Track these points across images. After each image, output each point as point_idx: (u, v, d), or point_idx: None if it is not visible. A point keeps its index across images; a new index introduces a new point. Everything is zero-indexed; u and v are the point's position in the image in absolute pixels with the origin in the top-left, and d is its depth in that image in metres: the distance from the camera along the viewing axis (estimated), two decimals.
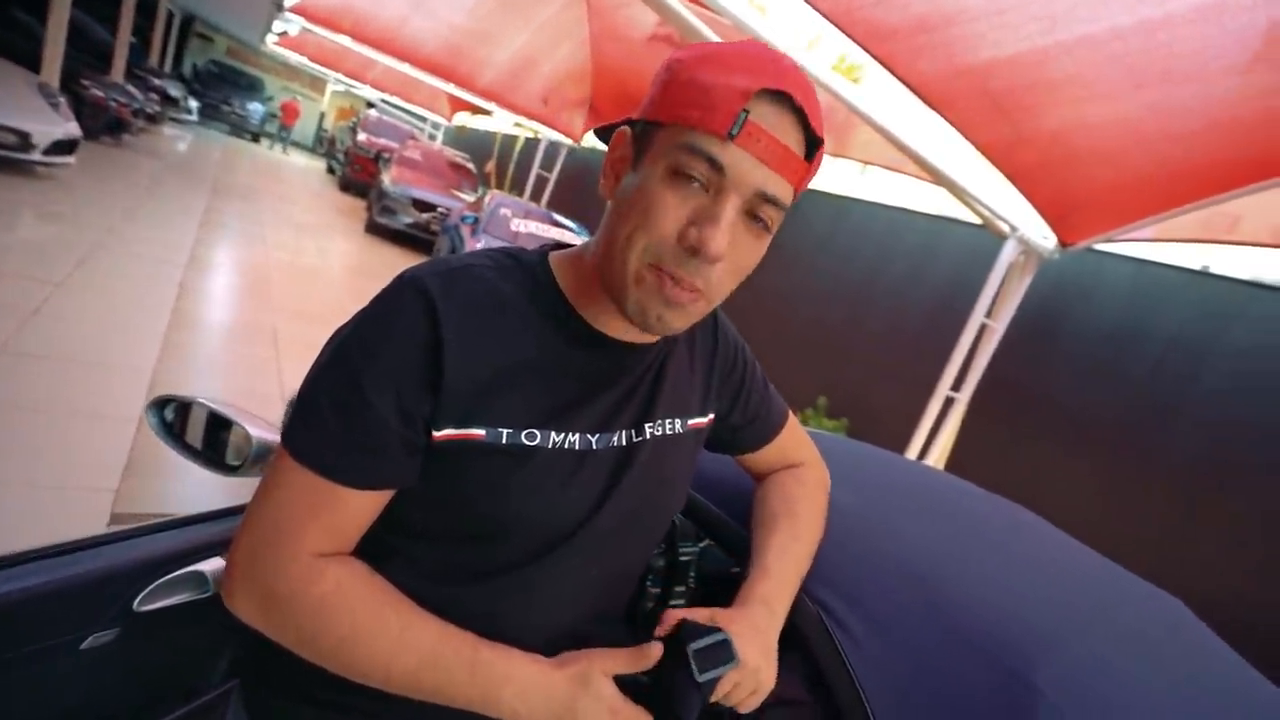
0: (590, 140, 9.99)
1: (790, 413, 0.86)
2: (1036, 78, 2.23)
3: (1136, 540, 3.56)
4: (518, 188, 12.62)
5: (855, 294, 6.05)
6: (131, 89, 8.42)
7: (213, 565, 0.74)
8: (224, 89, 15.23)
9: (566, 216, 7.28)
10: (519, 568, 0.60)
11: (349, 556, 0.56)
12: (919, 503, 0.98)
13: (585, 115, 8.15)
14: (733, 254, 0.54)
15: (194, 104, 12.87)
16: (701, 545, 1.67)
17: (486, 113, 10.35)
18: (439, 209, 8.52)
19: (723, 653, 0.56)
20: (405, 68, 8.56)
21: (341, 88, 17.07)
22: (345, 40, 8.18)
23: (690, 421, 0.72)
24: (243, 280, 5.11)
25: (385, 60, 8.73)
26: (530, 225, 6.35)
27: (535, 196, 9.83)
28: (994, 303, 3.85)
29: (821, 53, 2.47)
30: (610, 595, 0.71)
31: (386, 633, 0.52)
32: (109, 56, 8.57)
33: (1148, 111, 2.26)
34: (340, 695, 0.58)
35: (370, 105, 16.01)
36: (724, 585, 1.54)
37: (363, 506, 0.55)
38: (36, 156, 4.69)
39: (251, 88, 16.20)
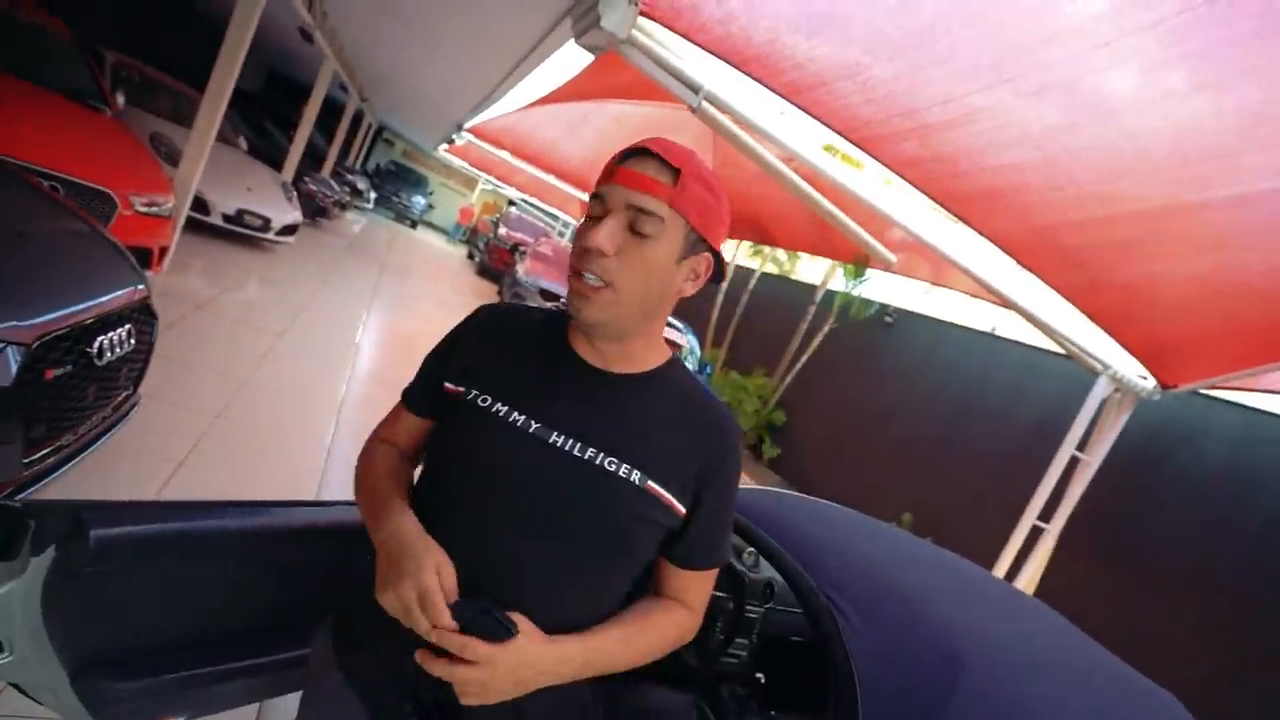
0: None
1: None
2: (1102, 238, 2.52)
3: (1244, 698, 3.31)
4: None
5: (947, 416, 6.10)
6: (333, 183, 10.34)
7: None
8: (396, 183, 17.93)
9: (674, 315, 7.93)
10: (456, 508, 0.75)
11: (394, 447, 0.87)
12: (923, 558, 1.31)
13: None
14: (625, 255, 0.72)
15: (373, 195, 15.28)
16: (767, 607, 1.95)
17: None
18: (561, 300, 9.52)
19: (497, 629, 0.65)
20: (549, 178, 9.93)
21: (489, 186, 19.61)
22: (504, 154, 9.69)
23: (651, 484, 0.75)
24: (397, 339, 6.09)
25: (532, 170, 10.18)
26: None
27: None
28: (1087, 436, 3.89)
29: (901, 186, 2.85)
30: (540, 595, 0.73)
31: (368, 478, 0.82)
32: (322, 158, 10.60)
33: (1215, 270, 2.47)
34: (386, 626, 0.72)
35: (511, 203, 18.17)
36: (784, 652, 1.81)
37: (408, 422, 0.87)
38: (270, 236, 6.01)
39: (417, 183, 18.92)
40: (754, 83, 2.24)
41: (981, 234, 2.79)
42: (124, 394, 2.05)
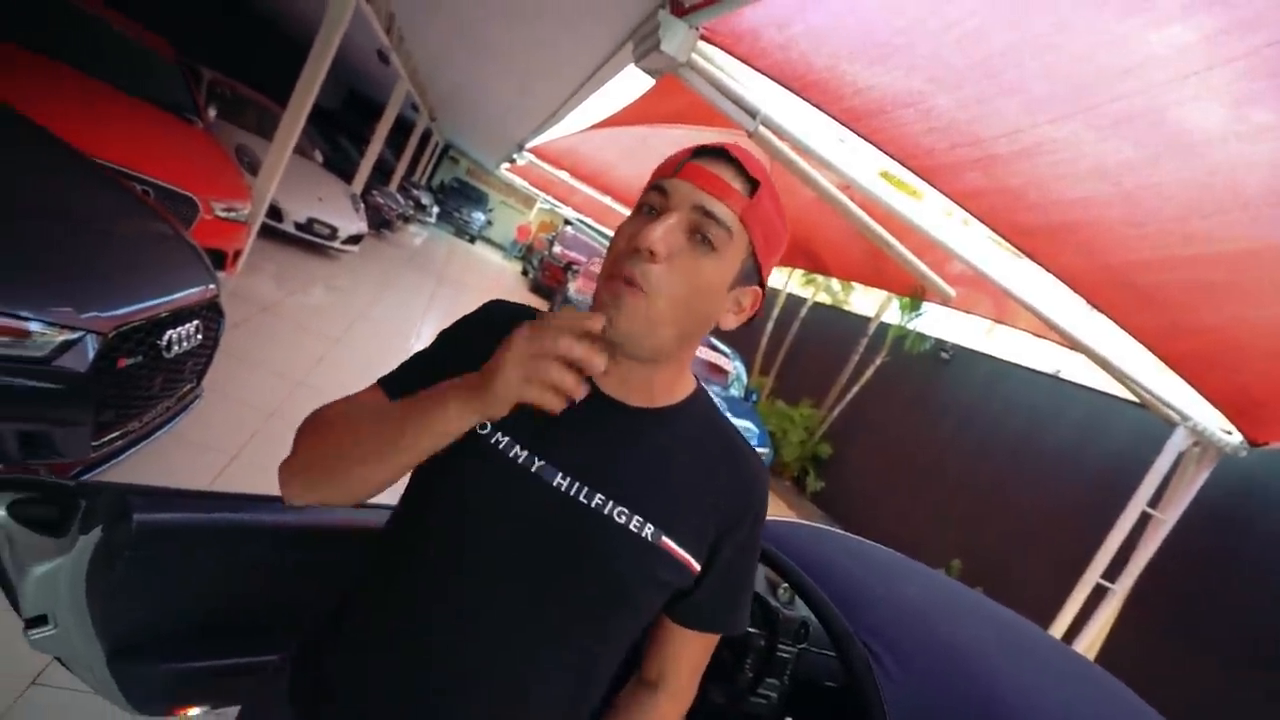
0: None
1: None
2: (1184, 279, 2.37)
3: None
4: None
5: (1005, 460, 5.81)
6: (399, 196, 10.79)
7: None
8: (458, 199, 18.58)
9: (723, 341, 7.87)
10: (433, 552, 0.65)
11: None
12: (971, 608, 1.22)
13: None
14: (677, 264, 0.60)
15: (435, 210, 15.86)
16: (800, 648, 1.87)
17: None
18: None
19: None
20: (606, 199, 10.09)
21: (547, 205, 20.09)
22: (563, 174, 9.91)
23: (666, 540, 0.65)
24: None
25: (589, 191, 10.37)
26: None
27: None
28: (1161, 492, 3.62)
29: (977, 227, 2.74)
30: (520, 663, 0.64)
31: (367, 415, 0.65)
32: (390, 173, 11.08)
33: None
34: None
35: (567, 222, 18.55)
36: (816, 697, 1.72)
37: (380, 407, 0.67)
38: (337, 245, 6.29)
39: (478, 200, 19.56)
40: (813, 108, 2.21)
41: (1049, 270, 2.67)
42: (188, 386, 2.15)
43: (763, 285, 0.69)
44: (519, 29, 4.14)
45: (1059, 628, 3.80)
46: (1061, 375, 5.84)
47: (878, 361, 7.75)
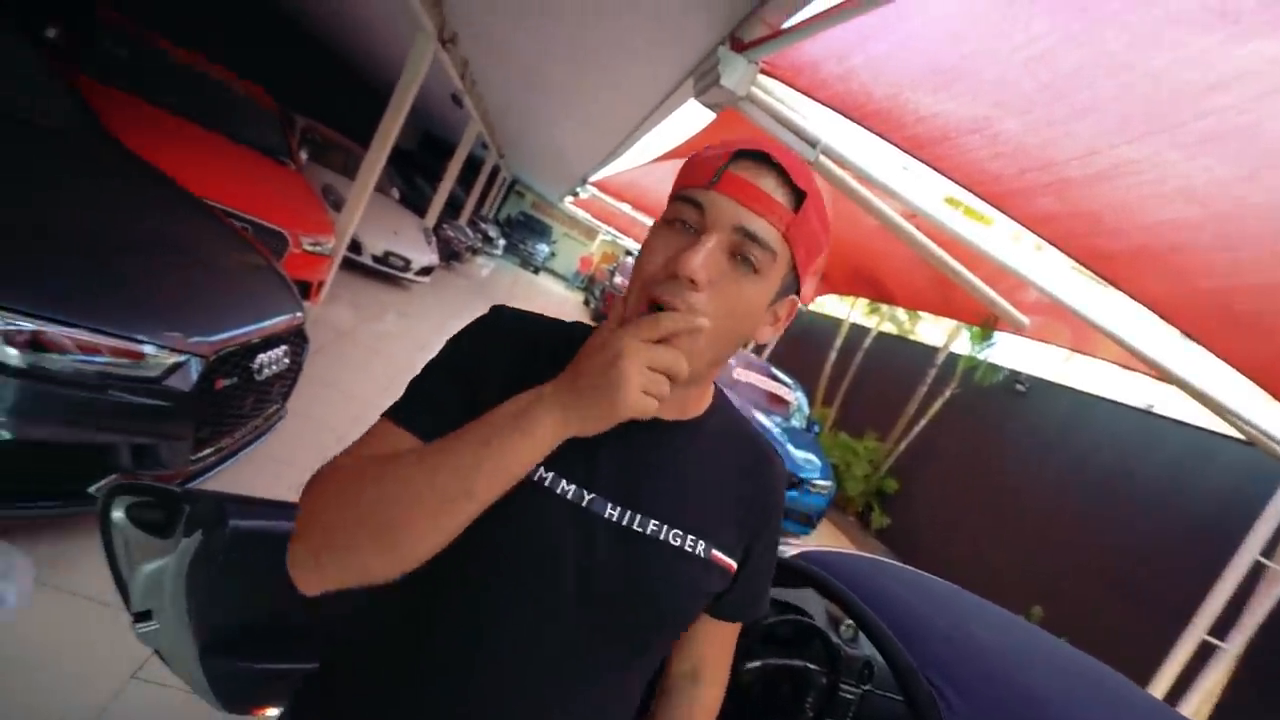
0: (817, 304, 10.60)
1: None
2: None
3: None
4: None
5: (1091, 499, 5.42)
6: (468, 230, 11.29)
7: None
8: (523, 232, 19.25)
9: (784, 371, 7.76)
10: (485, 610, 0.58)
11: None
12: (1056, 658, 1.15)
13: (818, 282, 8.80)
14: (719, 289, 0.56)
15: (502, 242, 16.48)
16: (864, 689, 1.79)
17: None
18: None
19: None
20: None
21: (609, 237, 20.55)
22: (625, 207, 10.14)
23: (715, 552, 0.64)
24: None
25: (651, 223, 10.53)
26: (750, 375, 6.92)
27: (758, 349, 10.57)
28: (1277, 540, 3.29)
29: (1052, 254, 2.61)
30: (595, 683, 0.62)
31: (411, 459, 0.53)
32: (460, 207, 11.63)
33: None
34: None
35: (629, 253, 18.90)
36: None
37: (406, 446, 0.57)
38: (410, 276, 6.63)
39: (542, 233, 20.20)
40: (875, 136, 2.21)
41: (1133, 297, 2.52)
42: (274, 406, 2.31)
43: (799, 293, 0.65)
44: (583, 70, 4.32)
45: (1159, 687, 3.47)
46: (1154, 410, 5.44)
47: (947, 393, 7.44)
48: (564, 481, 0.59)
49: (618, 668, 0.64)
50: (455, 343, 0.66)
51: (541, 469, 0.58)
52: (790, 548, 1.45)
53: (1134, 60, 1.51)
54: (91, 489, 1.67)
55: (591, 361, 0.53)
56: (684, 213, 0.57)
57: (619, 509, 0.60)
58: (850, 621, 1.81)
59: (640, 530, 0.60)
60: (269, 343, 2.09)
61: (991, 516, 6.24)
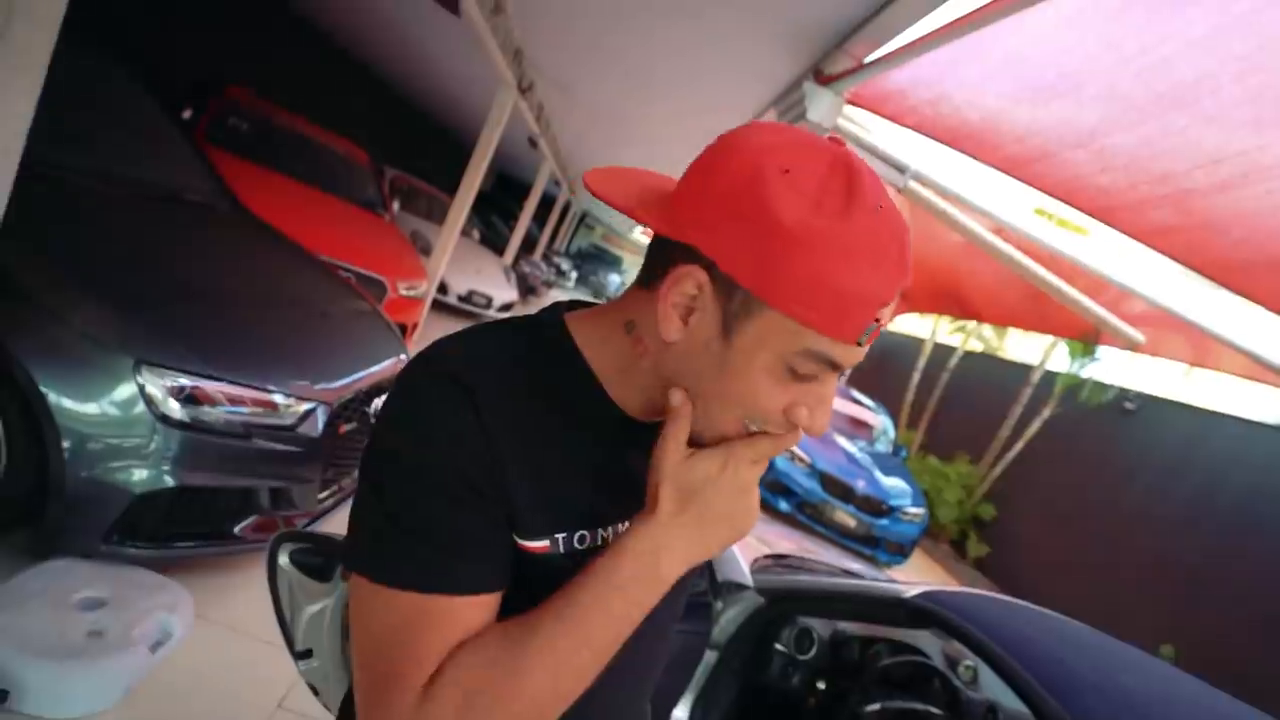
0: (897, 324, 10.25)
1: None
2: None
3: None
4: None
5: (1223, 527, 4.93)
6: (542, 264, 11.68)
7: None
8: (594, 263, 19.76)
9: (866, 394, 7.53)
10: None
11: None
12: (1192, 700, 1.05)
13: (897, 303, 8.55)
14: None
15: (574, 274, 16.95)
16: None
17: None
18: None
19: None
20: None
21: None
22: None
23: None
24: None
25: None
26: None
27: None
28: None
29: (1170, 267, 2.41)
30: (653, 672, 0.69)
31: (534, 639, 0.45)
32: (535, 243, 12.07)
33: None
34: None
35: None
36: None
37: (469, 618, 0.46)
38: (491, 312, 6.93)
39: (612, 263, 20.67)
40: (967, 158, 2.15)
41: (1266, 307, 2.31)
42: None
43: None
44: (658, 105, 4.44)
45: None
46: None
47: (1045, 413, 6.98)
48: (620, 526, 0.55)
49: (665, 638, 0.69)
50: (447, 460, 0.46)
51: (601, 531, 0.54)
52: (908, 586, 1.40)
53: (1265, 63, 1.41)
54: (236, 529, 1.83)
55: (719, 493, 0.48)
56: (814, 368, 0.45)
57: None
58: (970, 662, 1.71)
59: None
60: (380, 387, 2.23)
61: (1105, 545, 5.76)
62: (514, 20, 3.91)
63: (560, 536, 0.51)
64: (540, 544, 0.50)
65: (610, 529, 0.54)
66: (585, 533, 0.52)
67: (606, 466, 0.54)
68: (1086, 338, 6.19)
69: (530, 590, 0.48)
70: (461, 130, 10.31)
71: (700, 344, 0.47)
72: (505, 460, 0.47)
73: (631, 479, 0.53)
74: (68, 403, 1.51)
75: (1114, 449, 6.32)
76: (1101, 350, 6.45)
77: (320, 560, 1.02)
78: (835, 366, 0.46)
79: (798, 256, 0.41)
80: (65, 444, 1.51)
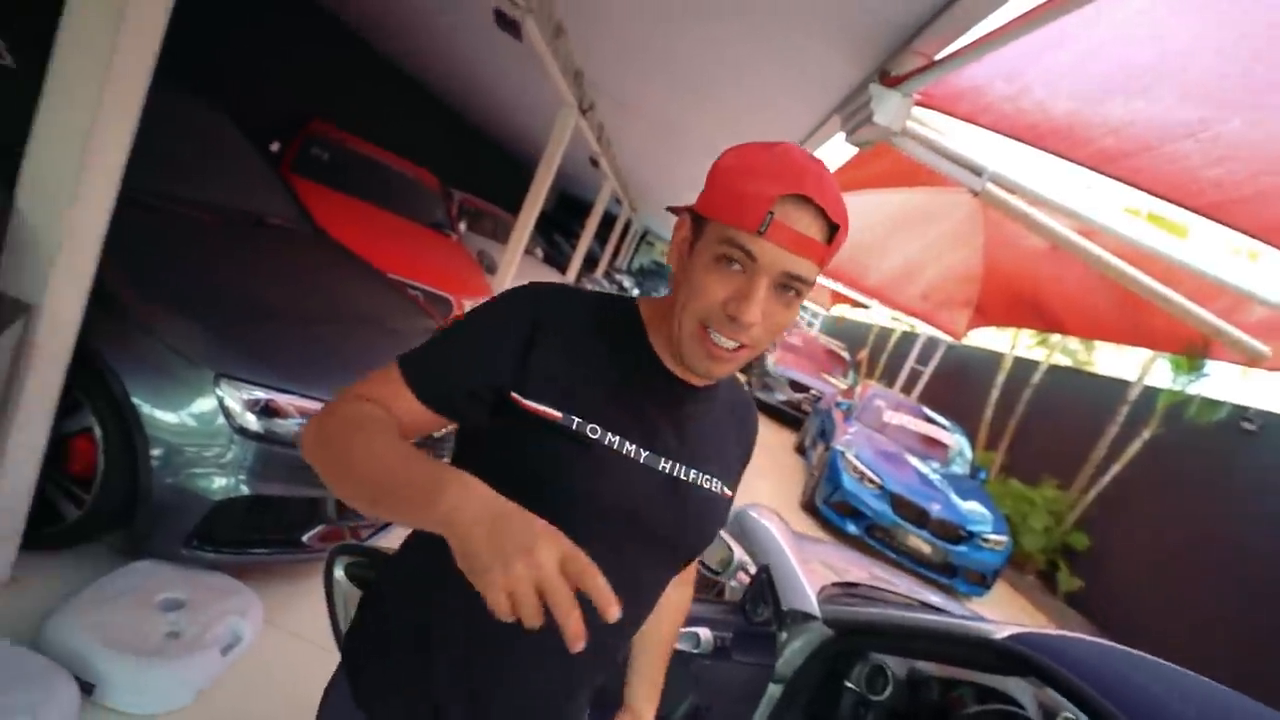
0: (970, 339, 9.73)
1: None
2: None
3: None
4: (888, 377, 12.76)
5: None
6: (605, 282, 11.83)
7: None
8: (655, 280, 19.84)
9: (939, 412, 7.15)
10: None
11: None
12: None
13: (970, 315, 8.11)
14: (766, 317, 0.64)
15: (635, 291, 17.08)
16: None
17: (865, 306, 11.10)
18: (811, 390, 9.32)
19: None
20: None
21: None
22: None
23: (727, 490, 0.78)
24: None
25: None
26: (901, 418, 6.46)
27: (907, 389, 9.91)
28: None
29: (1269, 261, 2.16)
30: (645, 611, 0.77)
31: (372, 435, 0.59)
32: (597, 260, 12.25)
33: None
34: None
35: None
36: None
37: (410, 407, 0.65)
38: None
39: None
40: (1053, 157, 1.99)
41: None
42: (445, 460, 2.49)
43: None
44: (716, 117, 4.41)
45: None
46: None
47: (1146, 434, 6.41)
48: (628, 444, 0.67)
49: (658, 587, 0.78)
50: (490, 315, 0.69)
51: (609, 434, 0.66)
52: (997, 626, 1.26)
53: None
54: (304, 538, 1.89)
55: (511, 527, 0.46)
56: (735, 255, 0.62)
57: (670, 463, 0.71)
58: (1070, 715, 1.54)
59: (686, 479, 0.72)
60: None
61: (1220, 582, 5.19)
62: (574, 41, 3.98)
63: (575, 417, 0.65)
64: (547, 409, 0.64)
65: (620, 439, 0.66)
66: (597, 426, 0.66)
67: (630, 393, 0.69)
68: (1193, 350, 5.66)
69: (530, 440, 0.65)
70: (525, 153, 10.63)
71: (684, 266, 0.66)
72: (539, 345, 0.66)
73: (645, 411, 0.69)
74: (157, 413, 1.60)
75: (1232, 473, 5.72)
76: (1210, 365, 5.88)
77: (373, 574, 1.01)
78: (749, 254, 0.60)
79: (718, 180, 0.64)
80: (154, 452, 1.60)
